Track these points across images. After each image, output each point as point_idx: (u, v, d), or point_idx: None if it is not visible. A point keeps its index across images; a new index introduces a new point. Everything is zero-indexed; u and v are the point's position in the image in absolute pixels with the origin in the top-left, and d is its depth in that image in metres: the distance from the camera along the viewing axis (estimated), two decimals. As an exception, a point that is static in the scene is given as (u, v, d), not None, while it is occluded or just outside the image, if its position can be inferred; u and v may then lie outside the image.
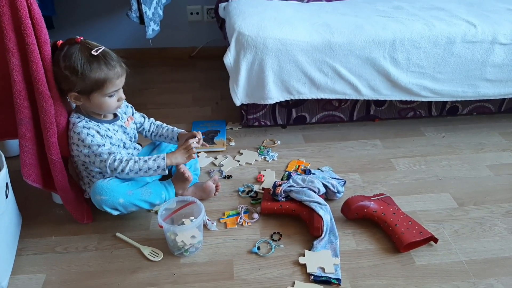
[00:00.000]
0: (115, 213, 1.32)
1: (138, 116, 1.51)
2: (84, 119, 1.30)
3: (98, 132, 1.29)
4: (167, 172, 1.33)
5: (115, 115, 1.40)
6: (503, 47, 1.73)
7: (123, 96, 1.30)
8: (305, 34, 1.67)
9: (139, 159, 1.30)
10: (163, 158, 1.30)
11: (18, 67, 1.16)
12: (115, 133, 1.36)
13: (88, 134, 1.27)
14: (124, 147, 1.39)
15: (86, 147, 1.27)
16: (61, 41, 1.23)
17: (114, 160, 1.27)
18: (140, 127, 1.51)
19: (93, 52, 1.20)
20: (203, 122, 1.99)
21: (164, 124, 1.54)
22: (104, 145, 1.28)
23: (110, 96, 1.26)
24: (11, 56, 1.14)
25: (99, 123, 1.31)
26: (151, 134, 1.53)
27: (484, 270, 1.26)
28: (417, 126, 1.98)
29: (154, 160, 1.30)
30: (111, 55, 1.24)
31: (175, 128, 1.51)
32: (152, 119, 1.55)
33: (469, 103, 1.96)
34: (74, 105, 1.34)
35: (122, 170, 1.28)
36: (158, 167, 1.29)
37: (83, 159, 1.31)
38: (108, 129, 1.33)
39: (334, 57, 1.68)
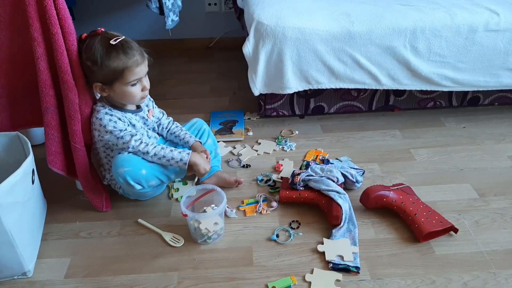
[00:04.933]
0: (137, 187, 1.31)
1: (157, 112, 1.52)
2: (107, 107, 1.33)
3: (119, 119, 1.32)
4: (186, 167, 1.35)
5: (138, 107, 1.42)
6: (527, 35, 1.69)
7: (147, 86, 1.31)
8: (324, 23, 1.66)
9: (166, 147, 1.34)
10: (188, 154, 1.34)
11: (43, 56, 1.19)
12: (137, 122, 1.38)
13: (110, 120, 1.30)
14: (147, 135, 1.42)
15: (108, 132, 1.30)
16: (85, 34, 1.27)
17: (141, 143, 1.31)
18: (158, 121, 1.52)
19: (112, 42, 1.23)
20: (221, 112, 2.01)
21: (183, 128, 1.54)
22: (126, 129, 1.32)
23: (132, 85, 1.28)
24: (36, 45, 1.17)
25: (122, 112, 1.34)
26: (168, 131, 1.52)
27: (505, 261, 1.25)
28: (437, 117, 1.96)
29: (180, 152, 1.34)
30: (130, 44, 1.26)
31: (193, 137, 1.51)
32: (171, 118, 1.56)
33: (491, 93, 1.93)
34: (98, 95, 1.37)
35: (147, 152, 1.31)
36: (181, 159, 1.33)
37: (105, 144, 1.34)
38: (131, 117, 1.36)
39: (354, 46, 1.67)
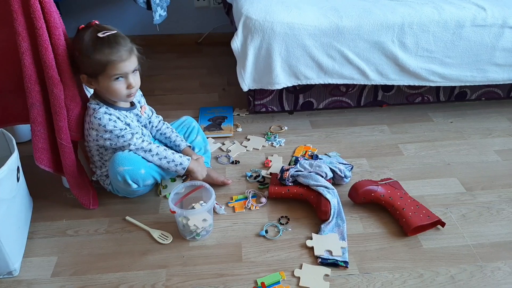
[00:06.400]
0: (134, 186, 1.31)
1: (148, 109, 1.51)
2: (104, 106, 1.31)
3: (118, 118, 1.31)
4: (183, 173, 1.36)
5: (132, 104, 1.41)
6: (513, 31, 1.71)
7: (133, 84, 1.28)
8: (313, 18, 1.66)
9: (167, 149, 1.36)
10: (188, 159, 1.37)
11: (28, 51, 1.17)
12: (132, 121, 1.37)
13: (110, 119, 1.29)
14: (142, 133, 1.41)
15: (108, 132, 1.29)
16: (82, 26, 1.26)
17: (143, 140, 1.32)
18: (148, 119, 1.51)
19: (99, 35, 1.21)
20: (210, 108, 2.00)
21: (173, 129, 1.54)
22: (126, 128, 1.31)
23: (116, 80, 1.25)
24: (21, 40, 1.15)
25: (117, 110, 1.33)
26: (158, 131, 1.52)
27: (492, 254, 1.26)
28: (425, 112, 1.97)
29: (180, 156, 1.36)
30: (118, 39, 1.23)
31: (184, 141, 1.51)
32: (160, 117, 1.55)
33: (478, 88, 1.95)
34: (91, 92, 1.35)
35: (150, 150, 1.32)
36: (180, 163, 1.35)
37: (102, 143, 1.33)
38: (126, 116, 1.35)
39: (342, 42, 1.67)
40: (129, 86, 1.28)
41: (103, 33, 1.21)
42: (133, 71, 1.28)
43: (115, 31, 1.25)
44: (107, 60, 1.21)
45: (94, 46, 1.20)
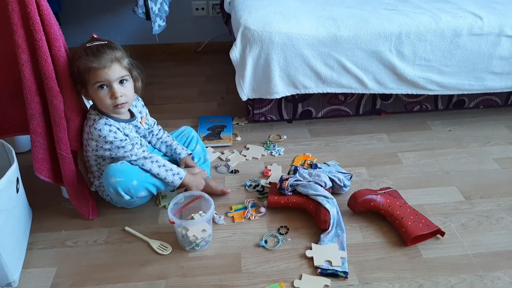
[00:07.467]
0: (126, 198, 1.31)
1: (150, 119, 1.53)
2: (104, 117, 1.32)
3: (118, 128, 1.32)
4: (179, 183, 1.37)
5: (132, 115, 1.41)
6: (509, 39, 1.72)
7: (117, 94, 1.26)
8: (311, 28, 1.67)
9: (165, 159, 1.39)
10: (184, 171, 1.39)
11: (28, 63, 1.18)
12: (130, 132, 1.38)
13: (110, 130, 1.29)
14: (140, 144, 1.41)
15: (108, 143, 1.30)
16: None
17: (143, 151, 1.34)
18: (149, 129, 1.52)
19: (87, 44, 1.25)
20: (209, 118, 2.00)
21: (174, 138, 1.58)
22: (126, 139, 1.32)
23: (99, 88, 1.25)
24: (21, 52, 1.16)
25: (116, 121, 1.33)
26: (158, 139, 1.54)
27: (491, 263, 1.26)
28: (423, 120, 1.98)
29: (177, 167, 1.38)
30: (104, 49, 1.24)
31: (185, 149, 1.54)
32: (160, 126, 1.58)
33: (476, 96, 1.96)
34: (90, 102, 1.36)
35: (151, 157, 1.34)
36: (178, 173, 1.36)
37: (101, 153, 1.33)
38: (125, 127, 1.36)
39: (340, 51, 1.68)
40: (112, 96, 1.26)
41: (91, 43, 1.25)
42: (120, 81, 1.28)
43: (105, 42, 1.27)
44: (89, 68, 1.22)
45: (81, 56, 1.23)
